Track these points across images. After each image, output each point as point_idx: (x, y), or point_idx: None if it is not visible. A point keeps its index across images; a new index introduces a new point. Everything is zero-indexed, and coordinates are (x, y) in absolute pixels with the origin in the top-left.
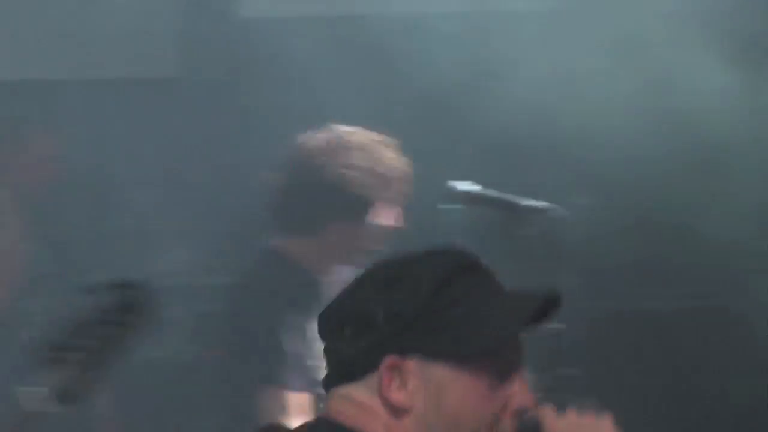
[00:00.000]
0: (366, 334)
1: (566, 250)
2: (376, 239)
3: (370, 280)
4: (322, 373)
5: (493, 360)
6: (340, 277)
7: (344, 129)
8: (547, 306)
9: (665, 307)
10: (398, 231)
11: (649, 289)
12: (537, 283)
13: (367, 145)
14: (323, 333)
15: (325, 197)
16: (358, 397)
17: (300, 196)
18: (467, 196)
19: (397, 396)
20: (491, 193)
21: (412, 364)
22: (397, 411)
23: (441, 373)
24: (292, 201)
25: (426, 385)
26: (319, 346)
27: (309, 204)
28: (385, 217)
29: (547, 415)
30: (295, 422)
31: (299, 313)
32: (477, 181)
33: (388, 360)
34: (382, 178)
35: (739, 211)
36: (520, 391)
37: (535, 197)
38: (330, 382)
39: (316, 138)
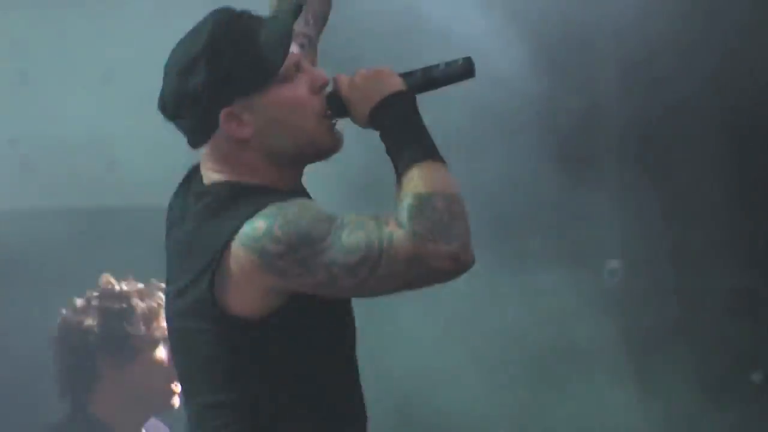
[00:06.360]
0: (195, 106)
1: None
2: None
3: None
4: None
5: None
6: None
7: None
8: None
9: None
10: None
11: None
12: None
13: None
14: (169, 118)
15: None
16: (213, 153)
17: None
18: None
19: (240, 131)
20: None
21: (238, 107)
22: (243, 144)
23: (261, 100)
24: None
25: (256, 112)
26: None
27: None
28: None
29: (340, 80)
30: None
31: None
32: None
33: (222, 113)
34: None
35: None
36: (314, 73)
37: None
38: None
39: None
